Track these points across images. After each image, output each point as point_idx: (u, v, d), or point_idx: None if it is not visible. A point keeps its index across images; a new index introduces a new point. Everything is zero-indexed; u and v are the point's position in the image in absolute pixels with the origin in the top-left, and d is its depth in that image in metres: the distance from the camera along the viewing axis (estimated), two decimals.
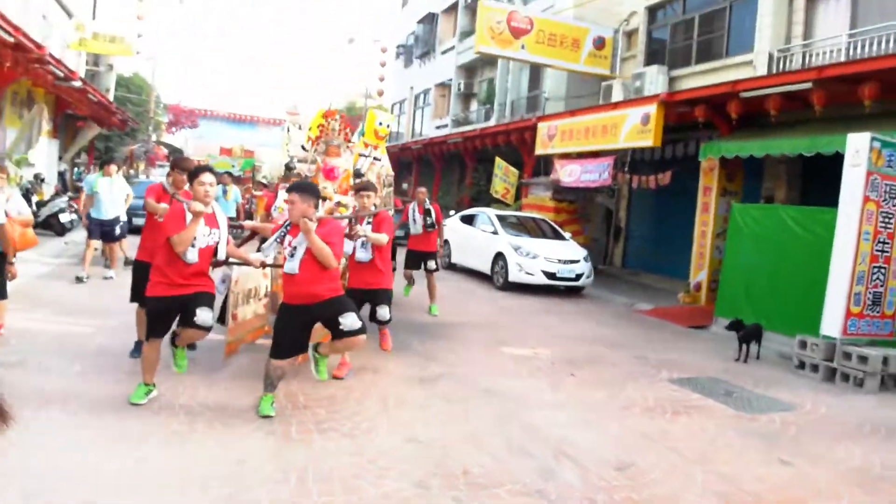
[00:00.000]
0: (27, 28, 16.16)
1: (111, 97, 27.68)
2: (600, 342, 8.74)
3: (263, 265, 5.67)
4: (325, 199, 7.64)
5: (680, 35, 16.03)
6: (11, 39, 11.00)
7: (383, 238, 6.29)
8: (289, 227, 4.93)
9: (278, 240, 4.96)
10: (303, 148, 8.82)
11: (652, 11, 16.95)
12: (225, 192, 13.66)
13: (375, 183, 7.70)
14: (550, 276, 12.37)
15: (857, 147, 7.47)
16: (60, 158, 22.23)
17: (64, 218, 14.59)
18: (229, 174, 16.74)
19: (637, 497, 3.97)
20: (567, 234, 14.34)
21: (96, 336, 6.67)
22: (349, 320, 4.73)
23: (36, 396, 4.62)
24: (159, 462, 3.85)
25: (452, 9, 28.91)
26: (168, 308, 4.86)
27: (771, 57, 13.08)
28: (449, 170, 27.55)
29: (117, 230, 10.31)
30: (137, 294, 5.70)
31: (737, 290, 10.12)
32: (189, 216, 4.79)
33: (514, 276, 12.41)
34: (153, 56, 32.04)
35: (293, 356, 4.98)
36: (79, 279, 9.67)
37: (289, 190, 5.01)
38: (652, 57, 16.78)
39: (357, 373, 6.06)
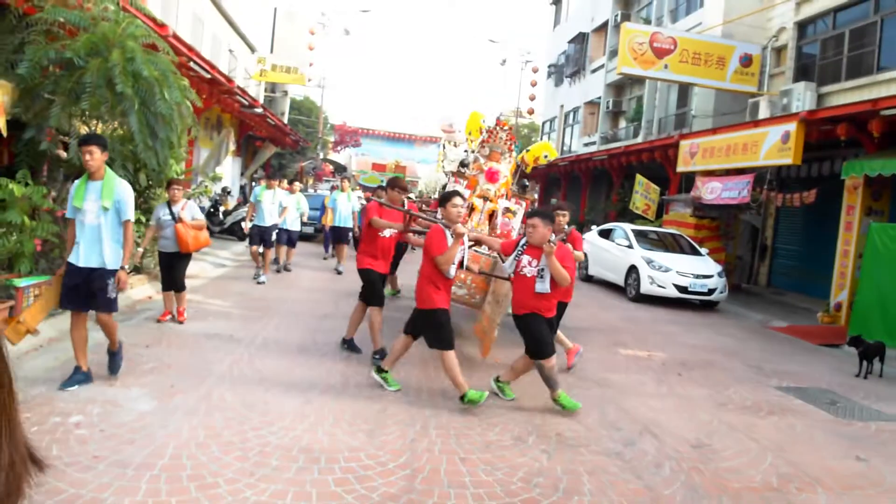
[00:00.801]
0: (217, 61, 18.87)
1: (285, 120, 30.91)
2: (719, 351, 9.15)
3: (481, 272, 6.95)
4: (486, 199, 8.70)
5: (830, 50, 15.69)
6: (208, 76, 13.08)
7: (580, 255, 7.04)
8: (525, 247, 5.68)
9: (517, 257, 5.67)
10: (467, 151, 9.82)
11: (801, 27, 16.68)
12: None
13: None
14: (682, 289, 12.73)
15: None
16: (242, 174, 25.27)
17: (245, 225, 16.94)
18: (381, 188, 18.46)
19: (703, 468, 4.64)
20: (704, 251, 14.53)
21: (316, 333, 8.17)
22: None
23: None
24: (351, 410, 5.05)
25: (602, 28, 29.38)
26: (445, 315, 5.52)
27: None
28: (596, 185, 28.01)
29: (273, 236, 11.64)
30: (369, 297, 6.64)
31: (872, 311, 10.06)
32: (449, 238, 5.52)
33: (646, 288, 12.89)
34: (322, 82, 35.03)
35: (553, 353, 5.60)
36: (255, 277, 11.15)
37: (530, 215, 5.79)
38: (801, 73, 16.52)
39: (493, 367, 7.02)
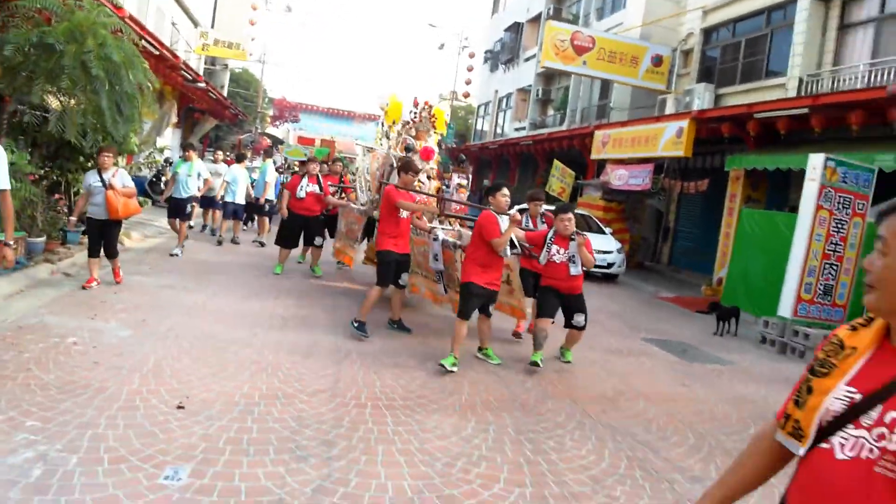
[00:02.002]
0: (160, 34, 19.48)
1: (225, 93, 31.34)
2: (604, 313, 10.77)
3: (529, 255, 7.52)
4: (430, 178, 9.21)
5: (728, 56, 17.57)
6: (157, 52, 13.89)
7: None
8: (553, 239, 6.62)
9: (547, 248, 6.61)
10: (397, 134, 10.15)
11: (707, 33, 18.52)
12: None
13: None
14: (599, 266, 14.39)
15: (815, 165, 9.24)
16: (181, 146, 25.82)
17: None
18: (302, 162, 19.68)
19: (558, 384, 6.15)
20: (608, 230, 16.24)
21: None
22: (580, 319, 6.78)
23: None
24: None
25: (536, 19, 30.87)
26: (484, 295, 6.35)
27: (801, 81, 14.57)
28: (525, 169, 29.64)
29: (188, 209, 11.07)
30: (382, 278, 7.07)
31: (739, 283, 11.85)
32: (503, 223, 6.25)
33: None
34: (263, 57, 35.48)
35: (553, 315, 6.72)
36: (171, 254, 10.54)
37: (563, 210, 6.65)
38: (704, 75, 18.37)
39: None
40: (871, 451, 1.35)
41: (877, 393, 1.39)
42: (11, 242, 4.58)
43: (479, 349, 6.76)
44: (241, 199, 13.00)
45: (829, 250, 9.34)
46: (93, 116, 7.82)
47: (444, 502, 3.58)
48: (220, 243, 12.82)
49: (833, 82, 14.16)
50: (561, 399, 5.73)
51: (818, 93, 13.15)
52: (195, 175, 11.16)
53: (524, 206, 8.29)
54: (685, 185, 16.25)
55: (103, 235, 7.67)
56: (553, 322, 6.81)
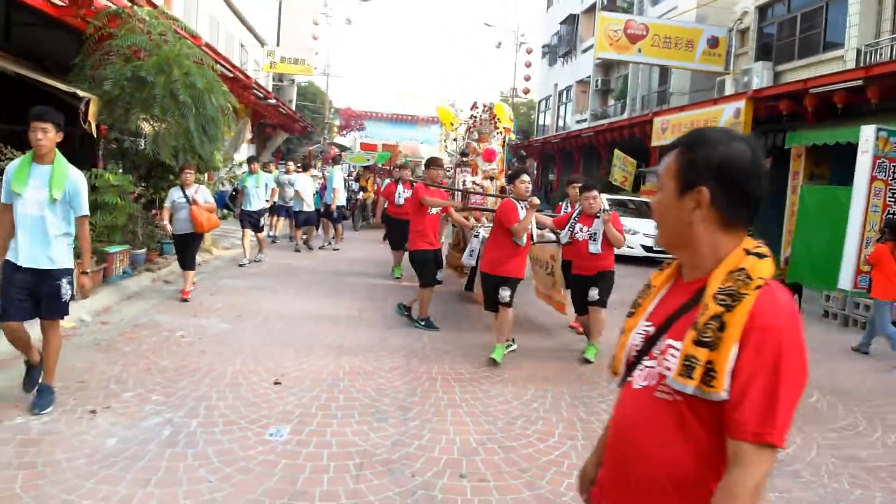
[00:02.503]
0: (231, 55, 20.68)
1: (293, 107, 32.70)
2: None
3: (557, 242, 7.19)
4: (492, 178, 9.49)
5: (785, 32, 17.40)
6: (231, 75, 14.91)
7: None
8: (578, 217, 6.51)
9: (570, 227, 6.50)
10: (454, 140, 10.53)
11: (762, 10, 18.37)
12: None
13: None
14: (648, 248, 14.66)
15: (867, 136, 9.33)
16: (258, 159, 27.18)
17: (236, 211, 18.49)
18: (366, 167, 20.49)
19: (605, 361, 6.59)
20: None
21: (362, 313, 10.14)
22: (593, 293, 6.39)
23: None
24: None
25: (591, 10, 30.91)
26: (493, 283, 6.20)
27: (859, 52, 14.40)
28: (588, 160, 29.77)
29: (261, 221, 11.45)
30: (425, 278, 7.30)
31: (803, 259, 11.94)
32: (521, 210, 6.10)
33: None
34: (327, 70, 36.72)
35: (584, 314, 6.68)
36: (241, 265, 10.77)
37: (588, 188, 6.59)
38: (762, 52, 18.22)
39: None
40: (654, 377, 1.46)
41: (662, 324, 1.49)
42: (89, 270, 4.69)
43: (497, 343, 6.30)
44: (309, 207, 13.31)
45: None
46: (182, 138, 8.73)
47: (505, 451, 4.15)
48: (297, 250, 13.36)
49: (893, 51, 13.95)
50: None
51: (878, 62, 13.00)
52: (262, 186, 11.41)
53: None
54: None
55: (185, 248, 8.10)
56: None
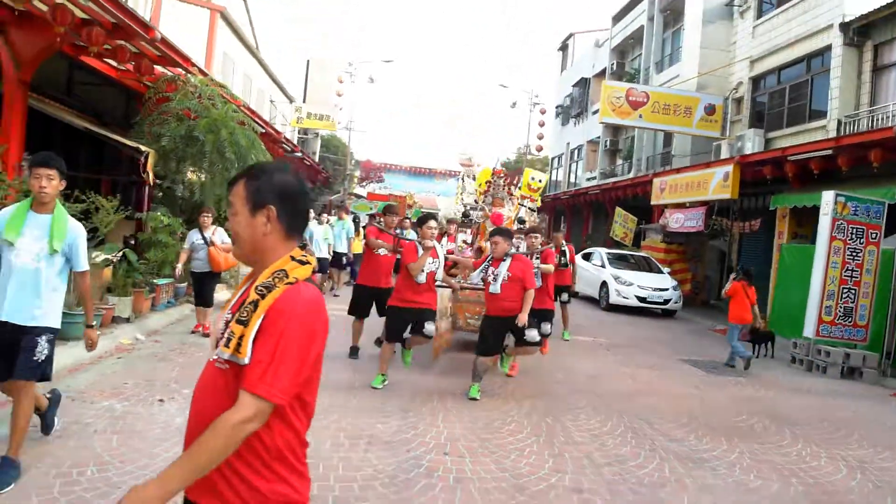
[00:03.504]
0: (261, 111, 22.41)
1: (316, 158, 34.48)
2: (651, 340, 12.15)
3: (462, 288, 8.02)
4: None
5: (776, 102, 18.77)
6: (262, 130, 16.44)
7: (550, 268, 8.16)
8: (491, 261, 6.76)
9: (483, 270, 6.78)
10: (475, 202, 10.83)
11: (755, 81, 19.80)
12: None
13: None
14: (642, 299, 15.77)
15: (827, 200, 10.53)
16: None
17: None
18: (371, 216, 21.68)
19: (593, 386, 7.70)
20: (666, 269, 17.53)
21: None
22: (532, 334, 6.61)
23: None
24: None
25: (601, 74, 32.61)
26: (404, 318, 6.69)
27: (840, 122, 15.68)
28: (597, 216, 31.07)
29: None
30: (355, 309, 7.88)
31: (781, 311, 13.02)
32: (420, 250, 6.70)
33: (613, 298, 15.94)
34: (350, 124, 38.61)
35: (495, 355, 6.84)
36: None
37: (492, 234, 6.88)
38: (755, 120, 19.58)
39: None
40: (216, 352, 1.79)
41: (234, 312, 1.79)
42: (94, 324, 4.52)
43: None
44: (321, 255, 13.68)
45: (845, 276, 10.50)
46: (225, 188, 10.09)
47: (480, 441, 5.28)
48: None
49: (871, 122, 15.18)
50: (586, 393, 7.32)
51: (848, 134, 14.25)
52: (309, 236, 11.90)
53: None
54: (740, 225, 17.41)
55: (203, 286, 8.62)
56: (495, 359, 7.05)
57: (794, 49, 17.72)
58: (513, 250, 6.90)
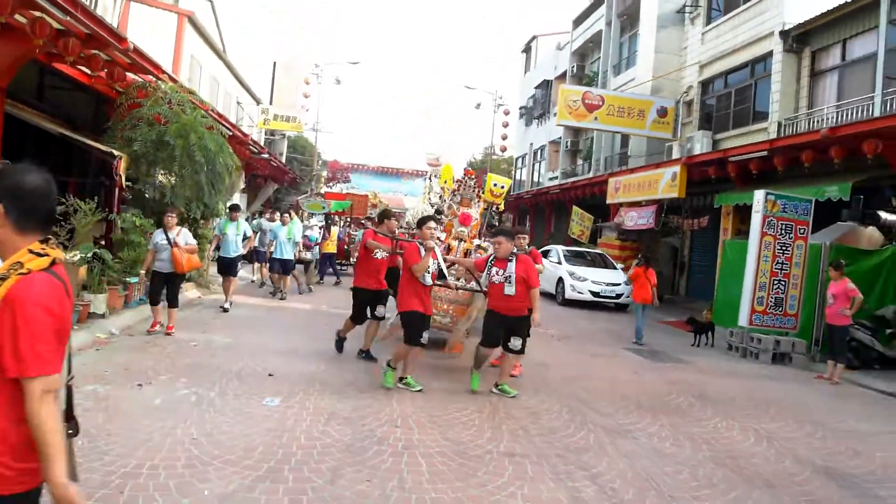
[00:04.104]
0: (228, 113, 22.78)
1: (283, 159, 34.82)
2: (602, 331, 12.93)
3: (458, 288, 8.21)
4: (461, 240, 9.94)
5: (723, 104, 19.75)
6: (230, 133, 16.89)
7: (541, 268, 8.19)
8: (493, 261, 6.98)
9: (487, 271, 6.99)
10: (440, 198, 10.88)
11: (704, 85, 20.77)
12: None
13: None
14: (595, 294, 16.58)
15: (758, 199, 11.39)
16: (248, 209, 29.12)
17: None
18: (327, 215, 21.78)
19: (543, 373, 8.38)
20: (619, 265, 18.37)
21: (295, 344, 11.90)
22: (516, 342, 6.94)
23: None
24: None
25: (563, 76, 33.51)
26: (422, 318, 6.79)
27: (780, 124, 16.65)
28: (559, 214, 31.94)
29: (237, 266, 11.74)
30: (358, 316, 8.05)
31: (724, 303, 13.85)
32: (423, 251, 6.81)
33: (569, 293, 16.72)
34: (316, 125, 39.00)
35: (495, 347, 7.15)
36: (224, 309, 11.14)
37: (495, 234, 7.13)
38: (705, 122, 20.54)
39: None
40: None
41: None
42: None
43: (400, 377, 7.00)
44: (287, 255, 13.47)
45: (776, 269, 11.36)
46: (193, 190, 10.63)
47: (430, 418, 5.93)
48: (277, 295, 13.56)
49: (808, 124, 16.17)
50: (532, 378, 8.00)
51: (782, 136, 15.21)
52: (242, 234, 11.64)
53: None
54: (689, 222, 18.33)
55: (168, 287, 8.70)
56: (493, 351, 7.35)
57: (739, 55, 18.69)
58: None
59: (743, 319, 11.41)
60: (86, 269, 8.83)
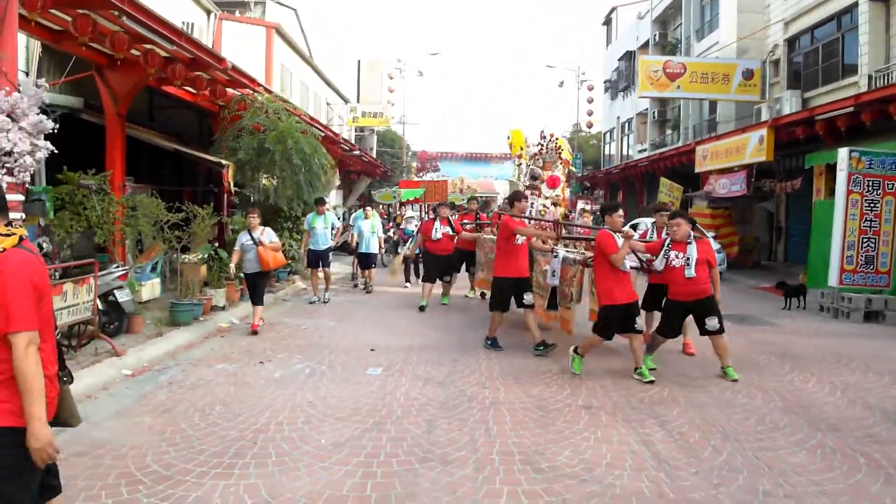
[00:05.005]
0: (318, 114, 24.02)
1: (374, 154, 36.12)
2: None
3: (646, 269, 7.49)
4: (555, 204, 9.99)
5: (810, 61, 19.15)
6: (322, 134, 17.99)
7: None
8: (671, 244, 6.79)
9: (665, 255, 6.80)
10: (523, 165, 10.69)
11: (790, 43, 20.18)
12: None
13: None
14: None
15: (842, 157, 11.27)
16: (344, 204, 30.52)
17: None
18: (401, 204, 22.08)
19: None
20: (711, 234, 18.22)
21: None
22: (712, 322, 6.69)
23: None
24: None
25: (646, 46, 33.04)
26: (624, 314, 6.68)
27: (870, 77, 16.09)
28: (651, 187, 31.56)
29: (329, 258, 11.76)
30: (498, 303, 7.82)
31: (817, 265, 13.69)
32: (619, 240, 6.69)
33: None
34: (403, 118, 40.12)
35: (674, 337, 7.11)
36: (312, 302, 11.54)
37: (674, 216, 6.95)
38: (792, 81, 19.98)
39: None
40: None
41: None
42: None
43: (635, 370, 6.82)
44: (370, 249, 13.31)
45: (864, 226, 11.22)
46: (293, 190, 11.66)
47: (516, 380, 6.54)
48: (363, 288, 13.71)
49: None
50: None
51: (878, 87, 14.72)
52: (330, 226, 11.76)
53: (638, 220, 8.40)
54: (782, 185, 17.99)
55: (255, 285, 8.89)
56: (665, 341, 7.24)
57: (824, 7, 18.11)
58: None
59: (833, 279, 11.35)
60: (205, 267, 9.97)
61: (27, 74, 10.27)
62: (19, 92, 4.82)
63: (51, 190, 8.42)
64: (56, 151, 5.97)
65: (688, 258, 6.64)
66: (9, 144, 4.65)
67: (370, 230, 13.04)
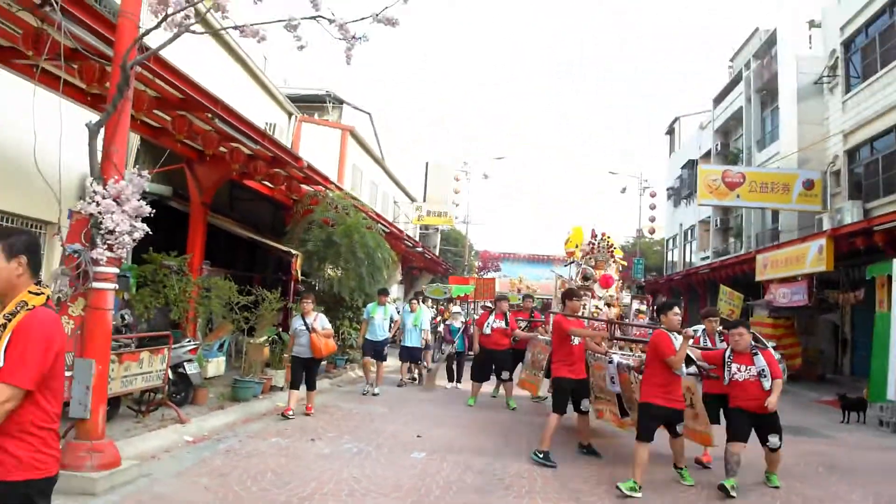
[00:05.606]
0: (385, 211, 25.15)
1: (437, 251, 37.09)
2: None
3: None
4: (609, 305, 9.87)
5: (871, 172, 19.19)
6: (387, 231, 18.86)
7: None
8: (732, 357, 6.53)
9: (728, 367, 6.53)
10: (575, 264, 10.60)
11: (850, 154, 20.31)
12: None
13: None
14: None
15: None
16: (405, 298, 31.27)
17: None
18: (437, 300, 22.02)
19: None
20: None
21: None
22: (774, 440, 6.53)
23: None
24: None
25: (707, 155, 33.56)
26: (664, 415, 6.30)
27: None
28: (712, 294, 31.23)
29: (384, 351, 11.74)
30: (560, 405, 7.31)
31: (880, 378, 13.37)
32: (677, 341, 6.20)
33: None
34: (467, 218, 41.23)
35: (745, 441, 6.51)
36: (364, 393, 11.46)
37: (733, 325, 6.73)
38: (855, 191, 19.96)
39: None
40: None
41: None
42: None
43: (675, 466, 6.80)
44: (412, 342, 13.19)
45: None
46: (356, 281, 12.35)
47: (555, 474, 6.71)
48: (412, 380, 13.70)
49: None
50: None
51: None
52: (389, 318, 11.81)
53: (697, 326, 8.39)
54: (844, 297, 17.73)
55: (307, 371, 8.98)
56: (745, 446, 6.61)
57: (883, 120, 18.29)
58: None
59: (892, 393, 11.11)
60: (268, 349, 10.57)
61: (126, 165, 11.47)
62: (125, 180, 5.60)
63: (135, 268, 9.26)
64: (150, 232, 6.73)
65: (761, 370, 6.39)
66: (112, 224, 5.39)
67: (412, 323, 12.87)
